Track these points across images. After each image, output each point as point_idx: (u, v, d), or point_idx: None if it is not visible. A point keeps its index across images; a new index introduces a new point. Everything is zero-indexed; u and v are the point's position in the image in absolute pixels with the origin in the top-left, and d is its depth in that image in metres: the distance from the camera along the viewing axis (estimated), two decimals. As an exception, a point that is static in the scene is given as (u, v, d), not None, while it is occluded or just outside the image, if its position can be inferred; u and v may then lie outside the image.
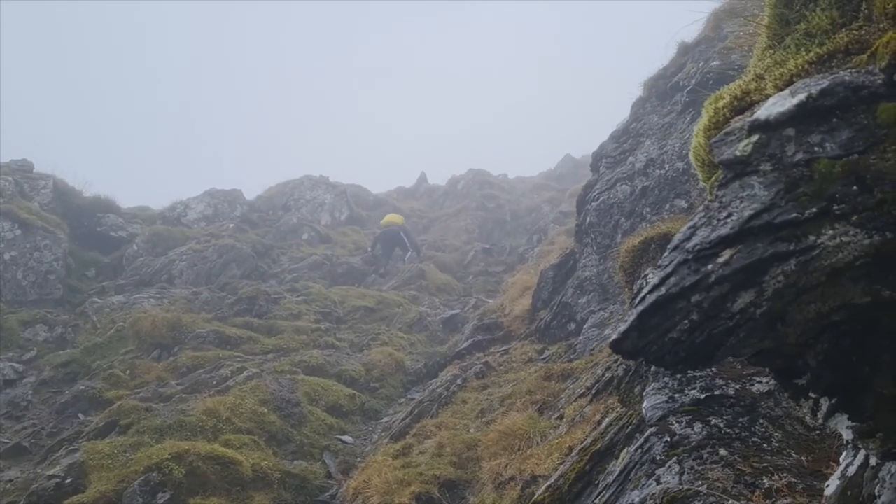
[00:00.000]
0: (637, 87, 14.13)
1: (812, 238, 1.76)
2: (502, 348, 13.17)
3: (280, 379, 12.38)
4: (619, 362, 7.54)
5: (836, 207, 1.76)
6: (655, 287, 1.88)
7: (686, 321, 1.84)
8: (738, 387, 5.05)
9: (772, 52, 2.30)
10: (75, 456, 9.68)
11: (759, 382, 5.07)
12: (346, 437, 11.43)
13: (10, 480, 10.02)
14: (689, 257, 1.85)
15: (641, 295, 1.91)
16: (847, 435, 2.17)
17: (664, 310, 1.85)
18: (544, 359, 11.42)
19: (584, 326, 11.13)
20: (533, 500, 6.04)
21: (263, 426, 10.85)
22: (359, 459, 10.48)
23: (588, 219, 12.61)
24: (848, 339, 1.95)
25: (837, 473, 2.34)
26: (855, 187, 1.76)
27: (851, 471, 2.26)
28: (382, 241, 22.80)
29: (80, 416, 11.94)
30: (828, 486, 2.37)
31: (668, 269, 1.88)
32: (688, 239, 1.90)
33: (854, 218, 1.75)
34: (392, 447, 9.68)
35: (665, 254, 1.95)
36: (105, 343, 14.63)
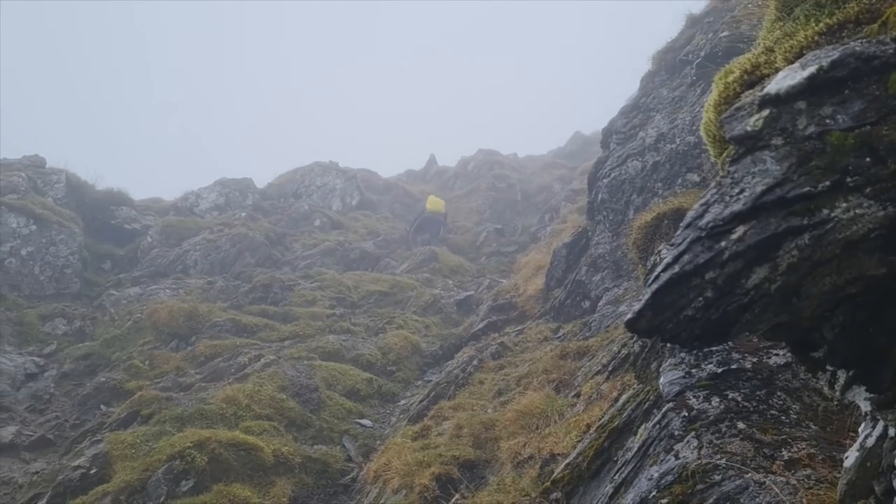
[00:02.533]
0: (645, 61, 14.02)
1: (826, 211, 1.75)
2: (517, 328, 13.20)
3: (297, 365, 12.47)
4: (634, 339, 7.54)
5: (849, 180, 1.75)
6: (669, 265, 1.87)
7: (701, 298, 1.84)
8: (754, 360, 5.05)
9: (781, 23, 2.27)
10: (99, 446, 9.82)
11: (776, 355, 5.06)
12: (365, 421, 11.52)
13: (37, 472, 10.19)
14: (703, 234, 1.84)
15: (655, 273, 1.91)
16: (865, 406, 2.17)
17: (678, 288, 1.85)
18: (559, 337, 11.44)
19: (599, 304, 11.13)
20: (552, 478, 6.08)
21: (283, 412, 10.95)
22: (378, 442, 10.57)
23: (600, 196, 12.56)
24: (864, 311, 1.95)
25: (856, 445, 2.34)
26: (868, 159, 1.75)
27: (870, 442, 2.26)
28: (425, 223, 23.97)
29: (102, 407, 12.09)
30: (847, 457, 2.37)
31: (682, 247, 1.87)
32: (700, 216, 1.89)
33: (868, 190, 1.73)
34: (411, 429, 9.75)
35: (678, 231, 1.95)
36: (123, 335, 14.79)
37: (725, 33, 11.12)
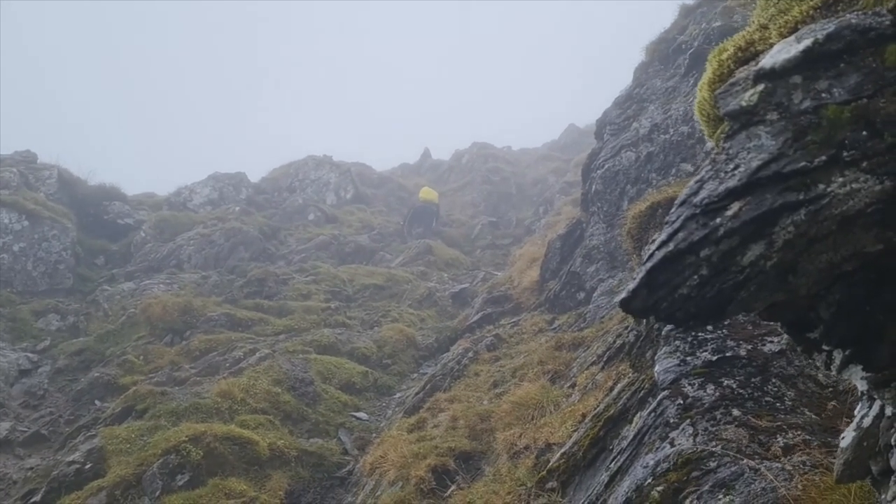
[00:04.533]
0: (639, 51, 14.02)
1: (822, 186, 1.73)
2: (512, 320, 13.19)
3: (292, 359, 12.44)
4: (629, 329, 7.54)
5: (845, 154, 1.73)
6: (664, 243, 1.85)
7: (696, 276, 1.81)
8: (749, 347, 5.04)
9: (776, 0, 2.25)
10: (94, 442, 9.78)
11: (771, 342, 5.05)
12: (361, 414, 11.50)
13: (31, 468, 10.14)
14: (697, 211, 1.82)
15: (650, 251, 1.88)
16: (862, 386, 2.15)
17: (673, 265, 1.83)
18: (555, 329, 11.43)
19: (594, 295, 11.13)
20: (548, 467, 6.07)
21: (278, 406, 10.92)
22: (374, 435, 10.56)
23: (594, 187, 12.55)
24: (861, 289, 1.92)
25: (853, 425, 2.32)
26: (864, 132, 1.72)
27: (867, 422, 2.25)
28: (418, 215, 24.02)
29: (97, 402, 12.05)
30: (843, 437, 2.36)
31: (676, 225, 1.84)
32: (695, 193, 1.87)
33: (864, 164, 1.71)
34: (406, 422, 9.73)
35: (672, 209, 1.92)
36: (117, 330, 14.73)
37: (718, 23, 11.11)
